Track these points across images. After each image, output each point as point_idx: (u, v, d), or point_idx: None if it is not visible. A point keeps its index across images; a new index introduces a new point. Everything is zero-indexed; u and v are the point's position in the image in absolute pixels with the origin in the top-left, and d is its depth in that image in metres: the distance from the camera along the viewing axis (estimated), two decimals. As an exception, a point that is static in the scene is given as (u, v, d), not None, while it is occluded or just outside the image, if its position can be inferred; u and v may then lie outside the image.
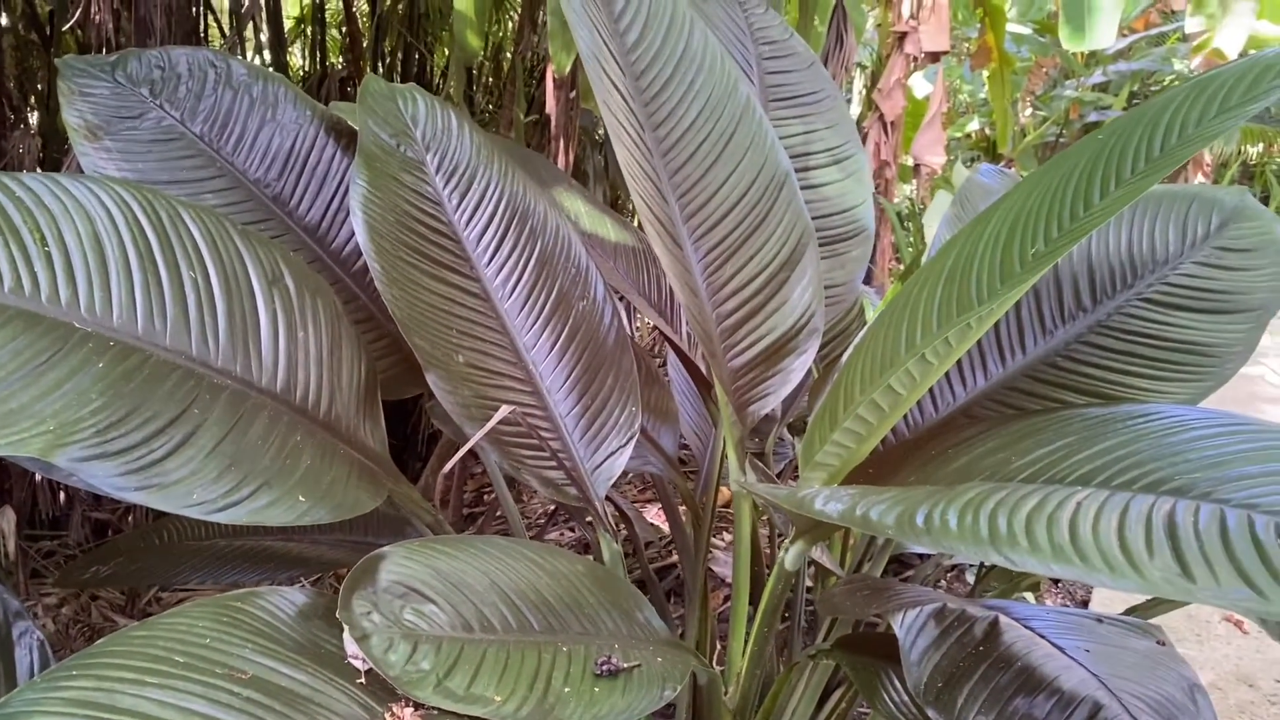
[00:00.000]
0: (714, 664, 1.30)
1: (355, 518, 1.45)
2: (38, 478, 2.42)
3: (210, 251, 0.97)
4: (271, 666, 0.76)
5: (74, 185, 0.94)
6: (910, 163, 4.78)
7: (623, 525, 2.02)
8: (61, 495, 2.51)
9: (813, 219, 1.39)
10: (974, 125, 7.30)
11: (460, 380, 1.08)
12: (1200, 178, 6.81)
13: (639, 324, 3.86)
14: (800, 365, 1.13)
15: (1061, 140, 7.23)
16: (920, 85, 6.68)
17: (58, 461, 0.78)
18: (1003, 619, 0.93)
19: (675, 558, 2.42)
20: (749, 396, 1.12)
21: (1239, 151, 6.96)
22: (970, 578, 2.28)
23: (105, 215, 0.93)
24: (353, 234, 1.28)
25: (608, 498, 2.26)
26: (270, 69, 1.90)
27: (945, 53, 5.29)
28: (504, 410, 1.06)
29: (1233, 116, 0.80)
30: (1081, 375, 1.10)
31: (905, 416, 1.16)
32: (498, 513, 2.62)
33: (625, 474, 2.98)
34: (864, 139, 5.80)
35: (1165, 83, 7.85)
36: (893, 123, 5.50)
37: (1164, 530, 0.60)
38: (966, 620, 0.93)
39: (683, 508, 1.48)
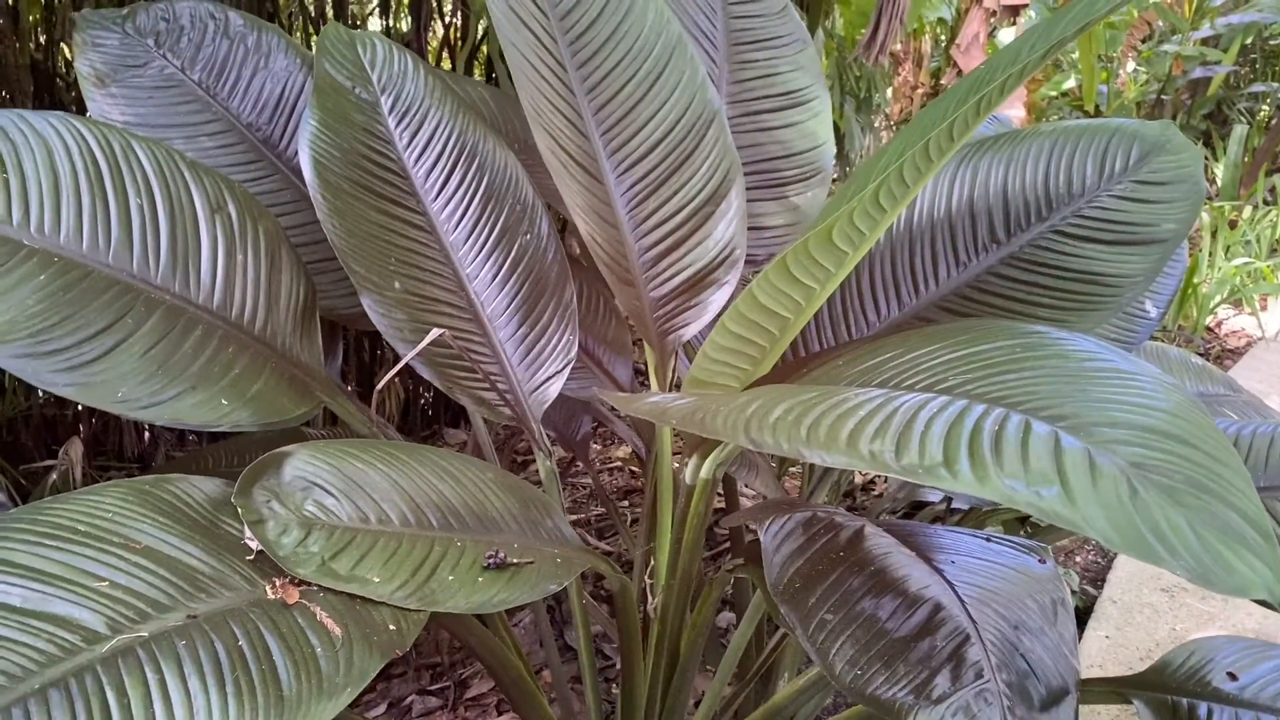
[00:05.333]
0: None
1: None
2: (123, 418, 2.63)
3: (158, 180, 1.08)
4: (166, 540, 0.86)
5: (37, 119, 1.05)
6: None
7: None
8: (146, 435, 2.72)
9: (769, 160, 1.43)
10: (1071, 83, 7.07)
11: (396, 305, 1.17)
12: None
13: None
14: (720, 297, 1.18)
15: (1164, 98, 6.96)
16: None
17: (-4, 360, 0.90)
18: (869, 528, 0.98)
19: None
20: (669, 326, 1.18)
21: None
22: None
23: (62, 146, 1.04)
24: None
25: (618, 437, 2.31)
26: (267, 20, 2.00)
27: (1024, 6, 5.14)
28: (434, 333, 1.14)
29: (1096, 22, 0.83)
30: (986, 305, 1.13)
31: (819, 341, 1.20)
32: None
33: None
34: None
35: (1282, 35, 7.46)
36: (971, 79, 5.34)
37: (902, 421, 0.65)
38: (833, 528, 0.98)
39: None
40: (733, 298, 1.19)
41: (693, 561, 1.21)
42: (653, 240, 1.18)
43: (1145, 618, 2.24)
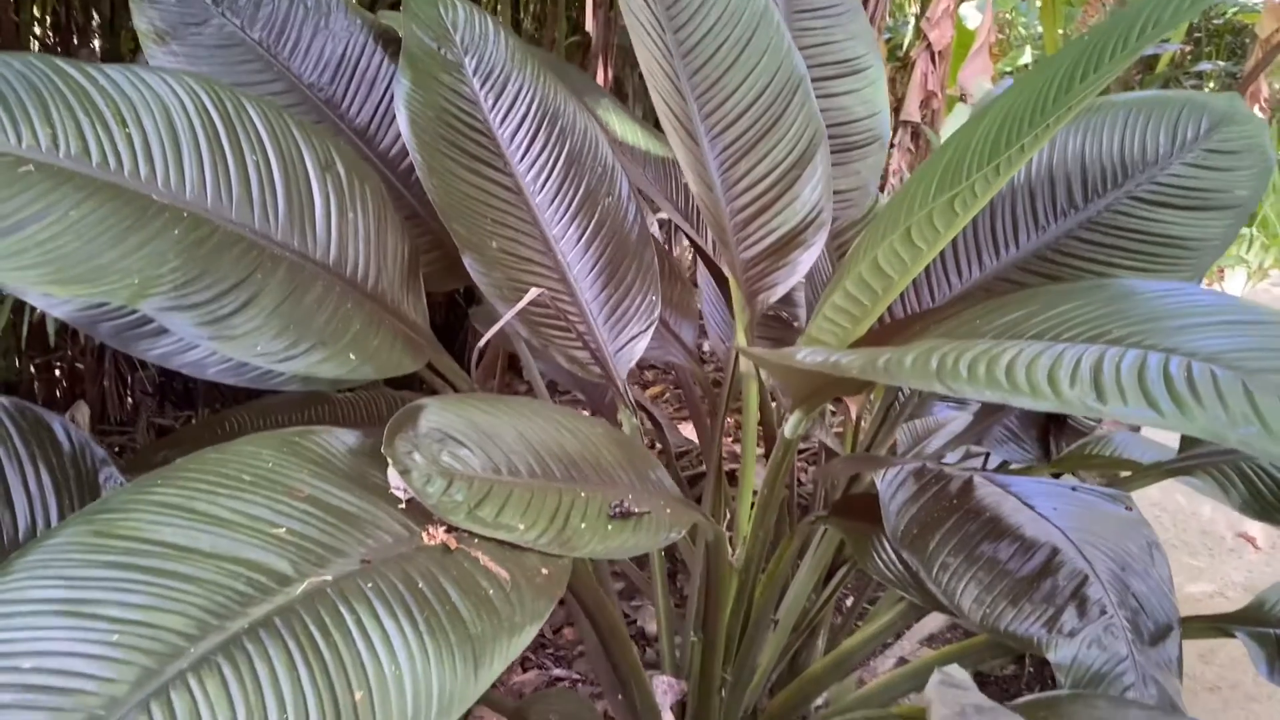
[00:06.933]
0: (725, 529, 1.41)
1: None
2: (106, 383, 2.61)
3: (270, 138, 1.08)
4: (325, 489, 0.88)
5: (150, 76, 1.05)
6: (958, 93, 4.78)
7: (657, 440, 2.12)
8: (128, 400, 2.70)
9: (830, 126, 1.47)
10: (1026, 58, 7.21)
11: (493, 264, 1.19)
12: (1258, 111, 6.68)
13: (679, 249, 3.95)
14: (807, 258, 1.22)
15: (1116, 73, 7.12)
16: (972, 15, 6.62)
17: (144, 308, 0.90)
18: (977, 478, 1.03)
19: (704, 468, 2.54)
20: (759, 286, 1.22)
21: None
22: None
23: (178, 103, 1.04)
24: (399, 135, 1.39)
25: (640, 405, 2.38)
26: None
27: (994, -20, 5.20)
28: (534, 292, 1.16)
29: (1205, 4, 0.87)
30: (1068, 267, 1.19)
31: (903, 304, 1.25)
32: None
33: (658, 377, 3.08)
34: (911, 68, 5.78)
35: (1228, 15, 7.67)
36: (940, 52, 5.49)
37: (1090, 368, 0.70)
38: (943, 478, 1.03)
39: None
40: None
41: (774, 513, 1.26)
42: (743, 203, 1.22)
43: (1140, 572, 2.35)
